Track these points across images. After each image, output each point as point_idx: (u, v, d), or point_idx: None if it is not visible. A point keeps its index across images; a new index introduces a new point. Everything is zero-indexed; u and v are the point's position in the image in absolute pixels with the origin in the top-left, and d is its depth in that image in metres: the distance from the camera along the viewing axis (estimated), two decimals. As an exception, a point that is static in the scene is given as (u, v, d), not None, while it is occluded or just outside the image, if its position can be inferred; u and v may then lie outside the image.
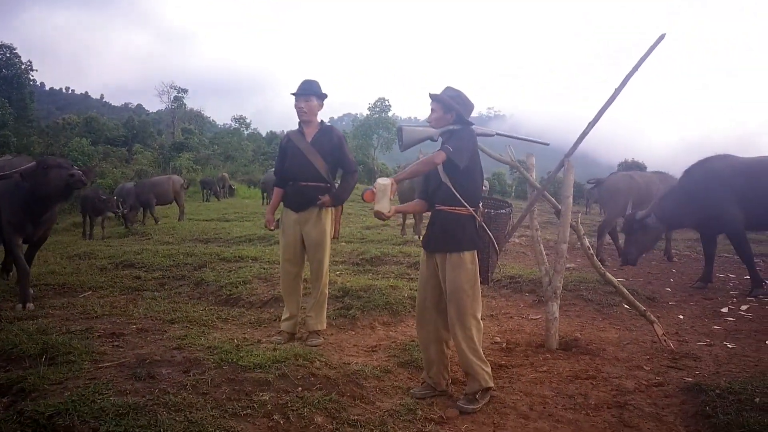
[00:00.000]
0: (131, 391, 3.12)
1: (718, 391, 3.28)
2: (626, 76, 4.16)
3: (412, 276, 6.75)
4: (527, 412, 3.33)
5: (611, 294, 5.77)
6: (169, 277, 6.93)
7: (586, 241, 4.43)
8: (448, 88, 3.60)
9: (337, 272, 6.82)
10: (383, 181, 3.23)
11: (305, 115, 4.47)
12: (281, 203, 4.67)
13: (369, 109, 52.71)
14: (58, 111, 78.03)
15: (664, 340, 4.30)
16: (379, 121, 50.92)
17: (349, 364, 3.89)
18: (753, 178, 6.50)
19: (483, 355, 3.47)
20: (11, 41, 58.40)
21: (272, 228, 4.73)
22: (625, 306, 5.51)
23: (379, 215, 3.34)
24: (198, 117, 61.59)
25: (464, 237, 3.43)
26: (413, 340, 4.46)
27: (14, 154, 12.86)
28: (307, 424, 2.98)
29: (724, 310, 5.76)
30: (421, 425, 3.12)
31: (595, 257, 4.40)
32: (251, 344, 4.18)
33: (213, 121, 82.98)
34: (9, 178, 5.13)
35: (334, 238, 4.69)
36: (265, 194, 22.42)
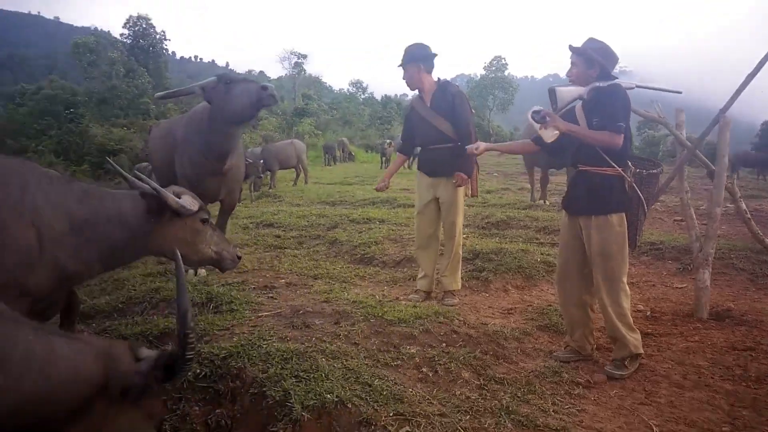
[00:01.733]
0: (291, 338, 3.39)
1: None
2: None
3: (542, 240, 6.64)
4: (681, 381, 3.22)
5: (766, 263, 5.35)
6: (305, 237, 7.32)
7: (743, 205, 4.13)
8: (590, 40, 3.43)
9: (464, 235, 6.85)
10: (549, 136, 3.27)
11: (409, 85, 4.54)
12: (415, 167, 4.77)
13: (484, 68, 51.53)
14: (189, 79, 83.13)
15: (834, 315, 3.94)
16: (495, 81, 49.61)
17: (486, 324, 3.95)
18: None
19: (631, 321, 3.39)
20: (146, 12, 62.61)
21: (381, 190, 4.99)
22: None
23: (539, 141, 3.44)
24: (316, 83, 63.31)
25: (612, 198, 3.32)
26: (550, 305, 4.43)
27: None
28: (455, 378, 3.09)
29: None
30: (569, 387, 3.12)
31: (752, 222, 4.09)
32: (391, 301, 4.37)
33: (330, 86, 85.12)
34: (192, 93, 4.67)
35: (472, 195, 4.74)
36: (383, 158, 22.76)
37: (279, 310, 3.95)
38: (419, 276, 4.70)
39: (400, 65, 4.50)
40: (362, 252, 6.19)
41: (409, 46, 4.49)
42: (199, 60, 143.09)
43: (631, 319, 3.39)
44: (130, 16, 44.49)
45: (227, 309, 3.96)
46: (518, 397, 2.95)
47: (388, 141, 24.24)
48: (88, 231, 2.82)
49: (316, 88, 60.54)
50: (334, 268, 5.58)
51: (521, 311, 4.40)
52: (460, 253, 4.65)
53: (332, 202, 11.95)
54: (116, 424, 1.77)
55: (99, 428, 1.73)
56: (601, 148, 3.24)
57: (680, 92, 4.16)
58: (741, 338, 3.77)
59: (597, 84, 3.28)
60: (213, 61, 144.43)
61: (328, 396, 2.71)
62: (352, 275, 5.33)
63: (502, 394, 2.96)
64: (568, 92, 3.33)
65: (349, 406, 2.68)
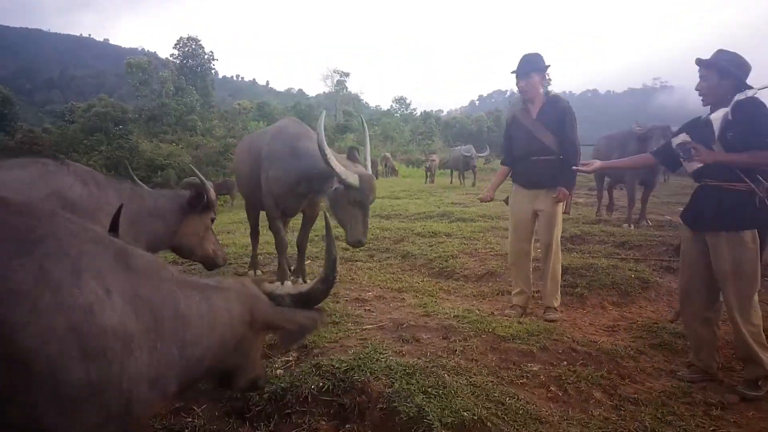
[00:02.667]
0: (406, 352, 3.32)
1: None
2: None
3: (623, 256, 6.44)
4: (822, 405, 3.03)
5: None
6: (374, 250, 7.26)
7: None
8: (721, 52, 3.31)
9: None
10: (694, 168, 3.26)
11: (527, 94, 4.42)
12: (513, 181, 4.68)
13: (525, 84, 51.32)
14: (230, 97, 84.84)
15: None
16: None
17: (596, 342, 3.81)
18: None
19: (765, 340, 3.21)
20: (198, 34, 64.33)
21: (486, 201, 4.84)
22: None
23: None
24: (355, 100, 63.93)
25: (744, 214, 3.16)
26: (656, 323, 4.27)
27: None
28: (587, 398, 2.97)
29: None
30: (706, 408, 2.97)
31: None
32: (489, 315, 4.26)
33: (366, 103, 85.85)
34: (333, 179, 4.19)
35: (565, 212, 4.60)
36: (428, 173, 22.68)
37: (381, 324, 3.89)
38: (514, 291, 4.59)
39: (518, 73, 4.39)
40: (440, 266, 6.10)
41: (529, 56, 4.40)
42: (240, 79, 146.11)
43: (765, 338, 3.22)
44: (180, 38, 45.94)
45: (330, 321, 3.91)
46: (658, 418, 2.81)
47: (432, 158, 24.20)
48: (138, 224, 3.43)
49: (355, 105, 61.11)
50: (416, 282, 5.50)
51: (626, 329, 4.24)
52: (559, 268, 4.52)
53: (386, 215, 11.88)
54: (258, 345, 2.14)
55: (248, 352, 2.07)
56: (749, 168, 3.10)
57: None
58: None
59: (738, 98, 3.13)
60: (254, 79, 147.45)
61: (465, 414, 2.62)
62: (437, 289, 5.25)
63: (641, 414, 2.83)
64: (717, 118, 3.21)
65: (489, 425, 2.59)
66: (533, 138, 4.38)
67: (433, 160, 23.43)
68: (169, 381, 1.71)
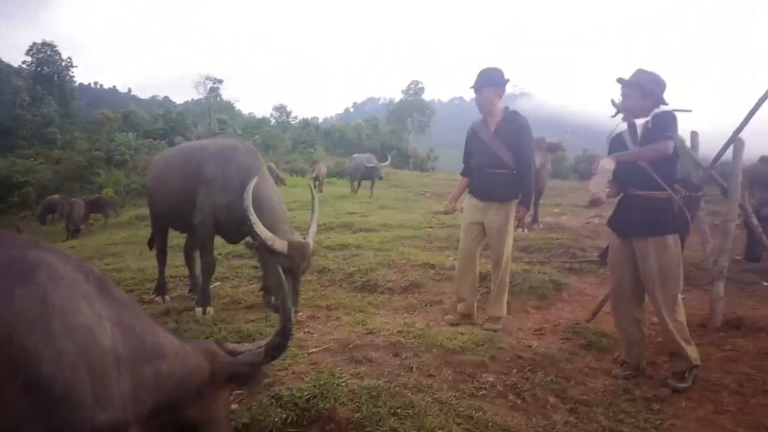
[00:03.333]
0: (363, 374, 3.26)
1: None
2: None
3: (528, 260, 6.81)
4: (739, 389, 3.40)
5: (746, 272, 5.79)
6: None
7: (755, 220, 4.46)
8: (641, 71, 3.61)
9: (450, 257, 6.89)
10: (607, 165, 3.33)
11: (480, 108, 4.58)
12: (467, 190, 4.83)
13: (402, 92, 52.85)
14: (88, 106, 78.30)
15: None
16: (413, 104, 50.87)
17: (531, 346, 3.99)
18: None
19: (689, 335, 3.54)
20: (51, 38, 59.29)
21: (448, 212, 5.13)
22: (765, 283, 5.54)
23: (594, 201, 3.43)
24: (228, 107, 62.13)
25: (666, 221, 3.47)
26: (577, 323, 4.56)
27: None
28: (544, 404, 3.11)
29: None
30: (647, 404, 3.22)
31: (765, 237, 4.43)
32: (427, 328, 4.30)
33: (240, 111, 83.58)
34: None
35: (518, 227, 4.78)
36: (317, 182, 22.51)
37: (327, 346, 3.79)
38: (458, 299, 4.71)
39: (474, 87, 4.49)
40: (362, 280, 6.06)
41: (487, 70, 4.50)
42: (99, 86, 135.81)
43: (688, 333, 3.55)
44: (34, 43, 42.24)
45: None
46: (611, 417, 3.01)
47: (319, 167, 24.14)
48: None
49: (229, 113, 59.37)
50: (343, 298, 5.42)
51: (551, 331, 4.49)
52: (507, 280, 4.64)
53: (286, 229, 11.65)
54: (220, 401, 2.19)
55: (210, 406, 2.10)
56: (654, 164, 3.40)
57: (690, 110, 4.35)
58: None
59: (657, 111, 3.45)
60: (114, 87, 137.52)
61: (441, 432, 2.63)
62: (365, 304, 5.21)
63: (596, 415, 3.01)
64: (639, 124, 3.51)
65: (466, 441, 2.62)
66: (490, 152, 4.50)
67: (320, 170, 23.35)
68: (145, 404, 1.78)
